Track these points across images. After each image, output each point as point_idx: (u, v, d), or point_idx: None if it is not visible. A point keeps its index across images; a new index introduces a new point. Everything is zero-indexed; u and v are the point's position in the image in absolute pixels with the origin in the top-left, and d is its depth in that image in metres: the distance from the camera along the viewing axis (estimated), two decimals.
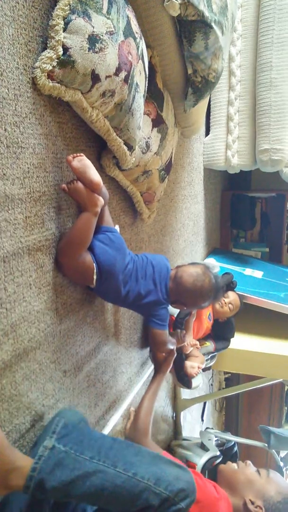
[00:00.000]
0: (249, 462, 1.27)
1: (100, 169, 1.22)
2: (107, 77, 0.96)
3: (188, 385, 1.63)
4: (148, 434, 1.30)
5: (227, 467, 1.27)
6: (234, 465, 1.27)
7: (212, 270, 1.28)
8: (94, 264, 1.06)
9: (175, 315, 1.62)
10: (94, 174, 1.01)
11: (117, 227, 1.20)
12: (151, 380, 1.45)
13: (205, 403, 3.33)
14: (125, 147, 1.16)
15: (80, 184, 1.00)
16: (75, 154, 0.99)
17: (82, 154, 0.99)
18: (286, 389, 4.24)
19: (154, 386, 1.41)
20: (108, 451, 0.81)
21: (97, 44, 0.91)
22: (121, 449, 0.83)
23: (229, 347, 2.06)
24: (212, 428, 2.90)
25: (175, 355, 1.42)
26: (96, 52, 0.91)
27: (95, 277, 1.08)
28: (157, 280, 1.22)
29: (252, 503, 1.14)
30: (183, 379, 1.62)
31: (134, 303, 1.21)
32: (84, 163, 0.99)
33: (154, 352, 1.43)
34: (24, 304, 0.91)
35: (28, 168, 0.88)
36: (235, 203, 3.66)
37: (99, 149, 1.20)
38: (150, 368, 1.86)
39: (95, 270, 1.07)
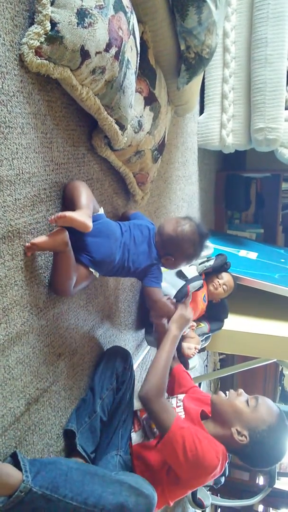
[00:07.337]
0: (241, 390, 1.27)
1: (92, 149, 1.20)
2: (97, 53, 0.93)
3: (185, 365, 1.65)
4: (162, 393, 1.17)
5: (217, 398, 1.26)
6: (224, 394, 1.27)
7: (195, 220, 1.28)
8: (90, 268, 1.09)
9: (172, 297, 1.62)
10: (83, 225, 0.95)
11: (101, 210, 1.19)
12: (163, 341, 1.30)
13: (200, 384, 3.37)
14: (116, 126, 1.13)
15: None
16: (55, 217, 0.91)
17: (62, 214, 0.91)
18: (280, 369, 4.29)
19: (164, 343, 1.26)
20: (78, 486, 0.90)
21: (86, 19, 0.88)
22: (89, 482, 0.91)
23: (223, 328, 2.07)
24: None
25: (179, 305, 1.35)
26: (85, 27, 0.88)
27: (96, 274, 1.12)
28: (147, 242, 1.25)
29: (238, 432, 1.17)
30: (181, 360, 1.64)
31: (134, 271, 1.23)
32: (66, 220, 0.92)
33: (154, 311, 1.33)
34: (16, 288, 0.89)
35: (16, 148, 0.86)
36: (230, 184, 3.64)
37: (90, 129, 1.17)
38: (144, 350, 1.86)
39: (93, 270, 1.10)
